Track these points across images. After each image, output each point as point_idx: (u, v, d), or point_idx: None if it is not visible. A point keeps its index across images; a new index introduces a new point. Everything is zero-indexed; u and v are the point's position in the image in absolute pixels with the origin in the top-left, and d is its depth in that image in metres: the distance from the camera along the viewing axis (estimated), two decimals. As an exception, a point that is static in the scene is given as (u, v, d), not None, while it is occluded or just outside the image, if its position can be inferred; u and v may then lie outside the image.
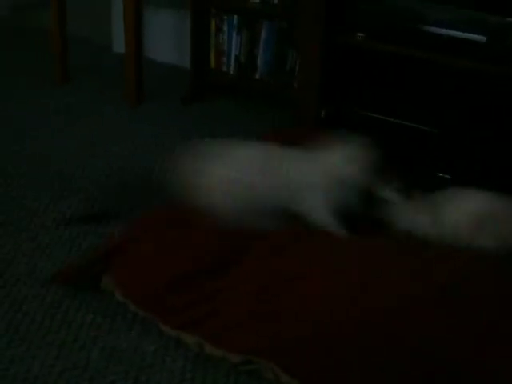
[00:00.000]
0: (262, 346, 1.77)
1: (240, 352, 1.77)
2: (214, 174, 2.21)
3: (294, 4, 3.07)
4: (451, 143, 2.59)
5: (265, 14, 3.21)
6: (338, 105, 2.79)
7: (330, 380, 1.72)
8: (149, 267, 2.00)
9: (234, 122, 3.27)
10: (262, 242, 2.06)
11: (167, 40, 3.94)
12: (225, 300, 1.89)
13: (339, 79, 2.80)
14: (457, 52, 2.50)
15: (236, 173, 2.19)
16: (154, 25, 3.89)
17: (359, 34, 2.66)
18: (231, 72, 3.40)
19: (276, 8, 3.17)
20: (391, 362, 1.70)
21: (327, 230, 2.15)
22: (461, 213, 2.15)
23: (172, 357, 1.84)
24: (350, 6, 2.65)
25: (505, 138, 2.53)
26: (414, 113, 2.63)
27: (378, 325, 1.75)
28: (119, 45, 4.02)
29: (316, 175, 2.18)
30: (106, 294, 2.03)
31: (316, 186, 2.17)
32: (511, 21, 2.40)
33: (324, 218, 2.17)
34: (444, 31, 2.51)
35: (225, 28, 3.35)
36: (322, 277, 1.91)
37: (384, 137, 2.65)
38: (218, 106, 3.45)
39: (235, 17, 3.30)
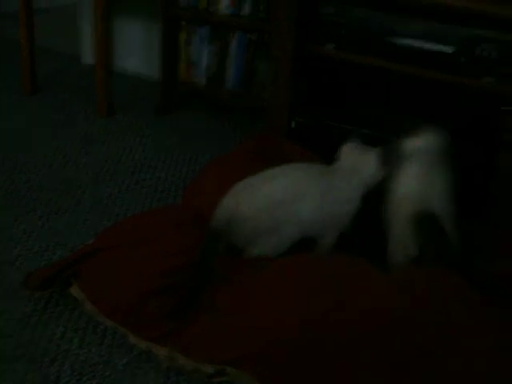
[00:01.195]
0: (235, 355, 1.77)
1: (213, 362, 1.76)
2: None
3: (264, 16, 3.09)
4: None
5: (235, 25, 3.21)
6: (308, 115, 2.80)
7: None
8: (119, 279, 1.98)
9: (205, 132, 3.28)
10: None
11: (138, 51, 3.93)
12: (196, 311, 1.88)
13: (310, 90, 2.82)
14: (425, 63, 2.53)
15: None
16: (125, 36, 3.88)
17: (329, 45, 2.67)
18: (201, 83, 3.40)
19: (246, 20, 3.17)
20: (362, 370, 1.71)
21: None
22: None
23: (144, 369, 1.83)
24: (321, 17, 2.66)
25: (472, 146, 2.56)
26: (384, 123, 2.65)
27: (350, 336, 1.75)
28: (88, 56, 4.02)
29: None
30: (76, 306, 2.01)
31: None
32: (478, 32, 2.43)
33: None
34: (412, 42, 2.53)
35: (195, 39, 3.35)
36: (294, 290, 1.90)
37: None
38: (189, 117, 3.45)
39: (205, 28, 3.30)
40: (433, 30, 2.50)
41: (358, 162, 2.22)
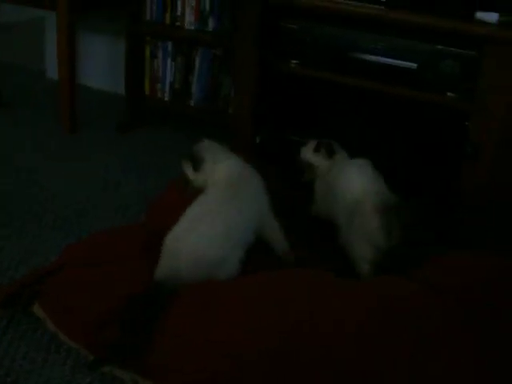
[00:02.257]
0: (196, 376, 1.74)
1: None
2: None
3: (228, 31, 3.10)
4: (383, 167, 2.63)
5: (199, 41, 3.22)
6: (272, 131, 2.81)
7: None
8: (80, 299, 1.95)
9: (169, 148, 3.26)
10: None
11: (102, 66, 3.92)
12: (160, 335, 1.85)
13: (273, 105, 2.82)
14: (389, 79, 2.55)
15: None
16: (89, 51, 3.86)
17: (293, 61, 2.68)
18: (166, 98, 3.40)
19: (211, 35, 3.18)
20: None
21: None
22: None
23: (106, 391, 1.81)
24: (285, 33, 2.67)
25: (434, 162, 2.59)
26: (348, 139, 2.66)
27: (322, 347, 1.75)
28: (53, 70, 3.99)
29: None
30: (39, 325, 1.98)
31: None
32: (441, 48, 2.45)
33: None
34: (376, 58, 2.55)
35: (159, 54, 3.35)
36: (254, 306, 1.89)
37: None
38: (154, 133, 3.44)
39: (170, 43, 3.31)
40: (397, 45, 2.53)
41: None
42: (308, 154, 2.50)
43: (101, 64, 3.92)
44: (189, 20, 3.22)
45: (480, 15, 2.41)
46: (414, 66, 2.51)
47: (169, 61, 3.34)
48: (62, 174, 2.94)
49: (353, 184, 2.28)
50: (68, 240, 2.43)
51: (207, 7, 3.17)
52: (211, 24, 3.18)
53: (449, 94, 2.48)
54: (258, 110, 2.79)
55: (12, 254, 2.34)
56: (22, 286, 2.02)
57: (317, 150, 2.46)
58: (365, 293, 1.91)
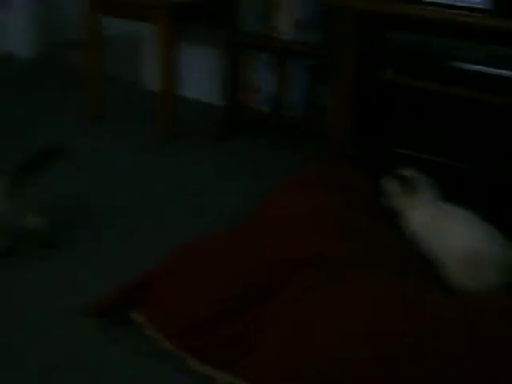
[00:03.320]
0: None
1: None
2: None
3: (325, 42, 3.10)
4: (485, 180, 2.57)
5: (296, 51, 3.23)
6: (369, 141, 2.79)
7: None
8: (181, 303, 1.99)
9: (266, 158, 3.29)
10: (294, 282, 2.04)
11: (200, 77, 3.98)
12: (259, 338, 1.87)
13: (370, 115, 2.80)
14: (487, 88, 2.49)
15: None
16: (187, 62, 3.93)
17: (391, 71, 2.66)
18: (263, 109, 3.42)
19: (307, 46, 3.18)
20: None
21: None
22: (450, 250, 2.17)
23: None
24: (382, 42, 2.66)
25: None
26: (446, 149, 2.62)
27: (400, 362, 1.73)
28: (149, 82, 4.09)
29: None
30: (136, 330, 2.02)
31: None
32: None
33: None
34: (476, 67, 2.50)
35: (257, 66, 3.38)
36: (361, 315, 1.88)
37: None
38: (251, 143, 3.47)
39: (267, 54, 3.33)
40: (498, 54, 2.47)
41: None
42: (388, 183, 2.41)
43: (198, 75, 3.98)
44: (286, 31, 3.24)
45: None
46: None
47: (266, 71, 3.36)
48: (159, 183, 3.01)
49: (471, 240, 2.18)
50: (165, 246, 2.46)
51: (304, 18, 3.18)
52: (308, 34, 3.18)
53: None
54: (354, 119, 2.77)
55: (113, 259, 2.41)
56: (120, 294, 2.07)
57: (397, 182, 2.36)
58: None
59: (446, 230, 2.20)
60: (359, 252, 2.13)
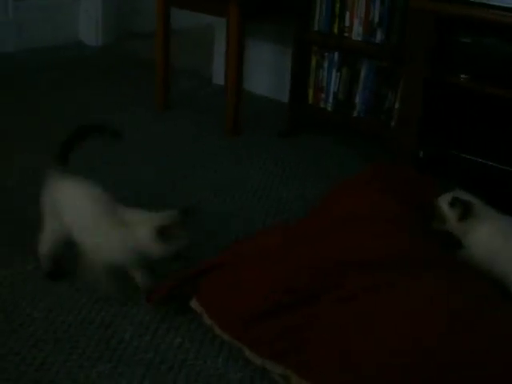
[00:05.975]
0: (351, 381, 1.74)
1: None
2: None
3: (396, 43, 3.07)
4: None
5: (366, 52, 3.21)
6: (437, 145, 2.75)
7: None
8: (238, 294, 2.00)
9: (329, 157, 3.28)
10: (352, 281, 2.02)
11: (266, 74, 4.00)
12: (315, 332, 1.86)
13: (440, 119, 2.77)
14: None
15: None
16: (256, 58, 3.95)
17: (462, 76, 2.63)
18: (329, 108, 3.41)
19: (378, 47, 3.16)
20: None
21: None
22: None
23: (257, 386, 1.83)
24: (456, 47, 2.62)
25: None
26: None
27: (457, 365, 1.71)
28: (219, 77, 4.12)
29: None
30: (194, 318, 2.04)
31: None
32: None
33: None
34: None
35: (325, 65, 3.37)
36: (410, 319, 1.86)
37: (482, 181, 2.62)
38: (315, 141, 3.47)
39: (336, 53, 3.32)
40: None
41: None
42: (444, 204, 2.29)
43: (266, 71, 4.00)
44: (357, 31, 3.22)
45: None
46: None
47: (334, 71, 3.35)
48: (221, 174, 3.03)
49: None
50: (224, 238, 2.48)
51: (376, 19, 3.15)
52: (379, 36, 3.16)
53: None
54: (423, 122, 2.74)
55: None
56: (180, 283, 2.08)
57: (452, 205, 2.25)
58: None
59: None
60: (416, 254, 2.11)
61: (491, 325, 1.82)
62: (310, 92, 3.45)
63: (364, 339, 1.80)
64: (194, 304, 2.05)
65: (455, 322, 1.81)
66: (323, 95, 3.41)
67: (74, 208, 2.07)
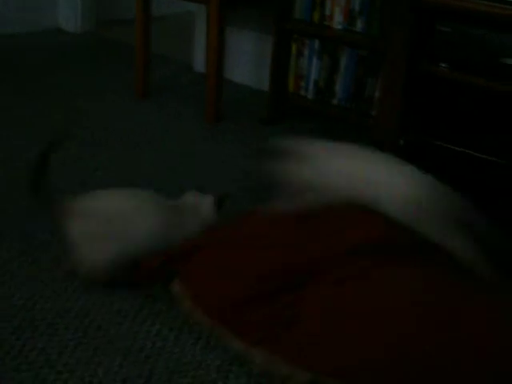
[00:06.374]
0: (337, 365, 1.74)
1: (312, 369, 1.74)
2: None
3: (377, 33, 3.08)
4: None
5: (347, 41, 3.21)
6: (417, 134, 2.76)
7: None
8: (221, 278, 1.99)
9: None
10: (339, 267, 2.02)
11: (247, 62, 3.98)
12: (300, 317, 1.86)
13: (420, 108, 2.78)
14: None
15: None
16: (236, 46, 3.93)
17: (442, 65, 2.63)
18: (309, 96, 3.41)
19: (359, 36, 3.16)
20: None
21: None
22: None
23: (236, 373, 1.82)
24: (435, 36, 2.63)
25: None
26: (494, 147, 2.58)
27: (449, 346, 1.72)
28: (200, 64, 4.10)
29: None
30: (173, 305, 2.03)
31: None
32: None
33: None
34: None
35: (306, 52, 3.36)
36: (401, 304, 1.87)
37: (459, 169, 2.64)
38: (295, 129, 3.46)
39: (316, 42, 3.31)
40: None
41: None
42: None
43: (246, 59, 3.98)
44: (337, 20, 3.21)
45: None
46: None
47: (314, 59, 3.34)
48: (201, 161, 3.03)
49: None
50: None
51: (357, 7, 3.15)
52: (359, 24, 3.15)
53: None
54: (404, 111, 2.75)
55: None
56: (162, 261, 2.06)
57: None
58: None
59: None
60: (408, 241, 2.11)
61: (465, 319, 1.82)
62: (291, 80, 3.44)
63: (348, 322, 1.81)
64: (175, 287, 2.04)
65: (428, 316, 1.81)
66: (303, 83, 3.41)
67: None
